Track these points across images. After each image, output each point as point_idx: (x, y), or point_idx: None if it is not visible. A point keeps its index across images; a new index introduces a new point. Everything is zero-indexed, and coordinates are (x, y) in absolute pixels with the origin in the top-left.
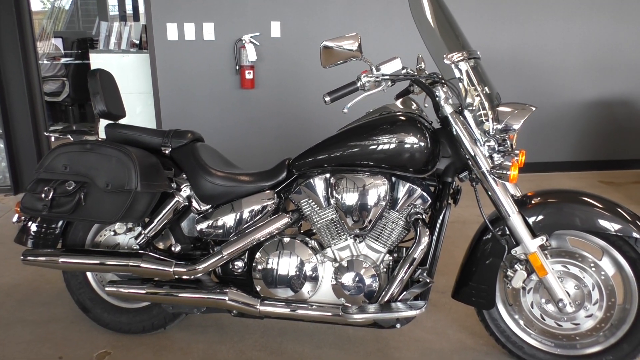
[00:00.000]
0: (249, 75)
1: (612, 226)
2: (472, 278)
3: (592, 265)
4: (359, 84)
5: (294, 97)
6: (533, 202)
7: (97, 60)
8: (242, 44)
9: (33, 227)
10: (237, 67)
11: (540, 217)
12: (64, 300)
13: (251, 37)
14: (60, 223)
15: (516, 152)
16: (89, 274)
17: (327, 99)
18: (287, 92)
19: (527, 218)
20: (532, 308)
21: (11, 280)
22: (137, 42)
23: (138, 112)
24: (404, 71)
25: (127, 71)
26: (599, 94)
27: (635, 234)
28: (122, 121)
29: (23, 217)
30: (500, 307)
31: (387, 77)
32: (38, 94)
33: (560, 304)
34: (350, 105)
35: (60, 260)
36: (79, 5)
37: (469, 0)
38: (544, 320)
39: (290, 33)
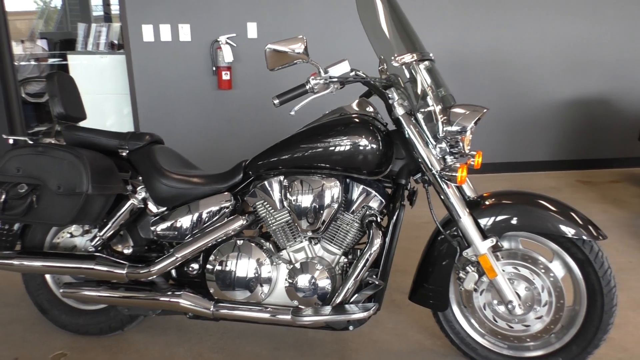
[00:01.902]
0: (225, 76)
1: (563, 229)
2: (428, 280)
3: (542, 267)
4: (308, 87)
5: (271, 98)
6: (486, 203)
7: (75, 62)
8: (219, 45)
9: None
10: (214, 68)
11: (492, 219)
12: (27, 302)
13: (227, 38)
14: (18, 225)
15: (472, 153)
16: (47, 276)
17: (276, 101)
18: (264, 93)
19: (478, 220)
20: (485, 309)
21: None
22: (117, 43)
23: (125, 113)
24: (352, 73)
25: (105, 72)
26: (575, 93)
27: (585, 237)
28: (83, 123)
29: None
30: (455, 308)
31: (335, 79)
32: (14, 95)
33: (509, 306)
34: (297, 108)
35: (15, 262)
36: (67, 6)
37: (444, 0)
38: (496, 321)
39: (266, 34)
